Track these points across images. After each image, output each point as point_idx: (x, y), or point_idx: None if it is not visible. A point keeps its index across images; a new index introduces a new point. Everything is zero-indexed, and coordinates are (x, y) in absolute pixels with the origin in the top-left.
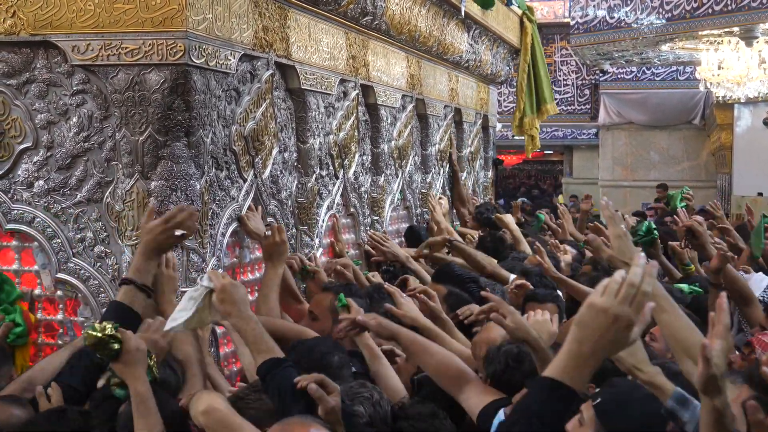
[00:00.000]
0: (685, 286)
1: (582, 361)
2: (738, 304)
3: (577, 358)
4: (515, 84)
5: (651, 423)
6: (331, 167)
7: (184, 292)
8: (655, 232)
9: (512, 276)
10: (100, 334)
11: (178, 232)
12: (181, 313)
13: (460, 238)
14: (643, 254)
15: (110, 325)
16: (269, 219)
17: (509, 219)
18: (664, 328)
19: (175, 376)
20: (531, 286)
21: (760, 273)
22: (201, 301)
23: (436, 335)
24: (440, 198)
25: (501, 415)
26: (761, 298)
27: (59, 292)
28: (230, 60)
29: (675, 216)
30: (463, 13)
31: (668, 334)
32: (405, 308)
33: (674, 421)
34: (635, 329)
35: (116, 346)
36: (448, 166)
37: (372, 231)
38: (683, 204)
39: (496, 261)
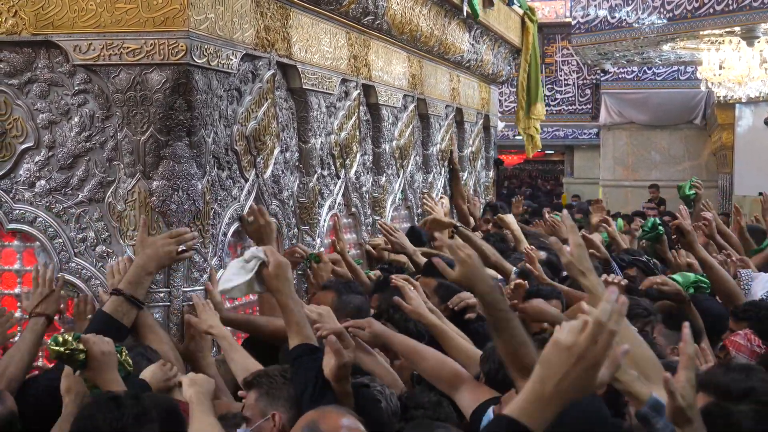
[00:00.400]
0: (677, 276)
1: (544, 401)
2: (726, 304)
3: (540, 397)
4: (516, 83)
5: (589, 421)
6: (332, 167)
7: (188, 292)
8: (661, 228)
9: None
10: (62, 349)
11: (181, 247)
12: (236, 278)
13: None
14: (615, 291)
15: (71, 337)
16: (272, 220)
17: (510, 219)
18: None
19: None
20: (527, 286)
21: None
22: (254, 272)
23: (441, 332)
24: (441, 197)
25: (490, 414)
26: (763, 297)
27: (61, 292)
28: (232, 60)
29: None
30: (465, 13)
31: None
32: (414, 303)
33: (648, 427)
34: (603, 370)
35: (82, 356)
36: (447, 163)
37: (382, 220)
38: (692, 192)
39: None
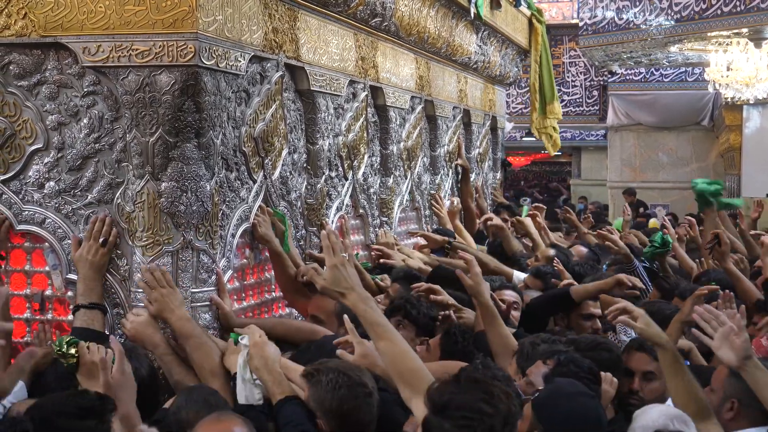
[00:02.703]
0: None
1: None
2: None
3: None
4: (524, 85)
5: (582, 417)
6: (340, 168)
7: (195, 293)
8: (669, 243)
9: (521, 275)
10: (57, 351)
11: (101, 240)
12: (245, 384)
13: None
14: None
15: (66, 342)
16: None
17: (528, 222)
18: (383, 355)
19: (148, 369)
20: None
21: None
22: (245, 360)
23: (492, 314)
24: (451, 198)
25: None
26: None
27: (70, 293)
28: (240, 61)
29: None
30: (472, 15)
31: (387, 362)
32: (476, 279)
33: None
34: None
35: (73, 360)
36: (456, 163)
37: (381, 232)
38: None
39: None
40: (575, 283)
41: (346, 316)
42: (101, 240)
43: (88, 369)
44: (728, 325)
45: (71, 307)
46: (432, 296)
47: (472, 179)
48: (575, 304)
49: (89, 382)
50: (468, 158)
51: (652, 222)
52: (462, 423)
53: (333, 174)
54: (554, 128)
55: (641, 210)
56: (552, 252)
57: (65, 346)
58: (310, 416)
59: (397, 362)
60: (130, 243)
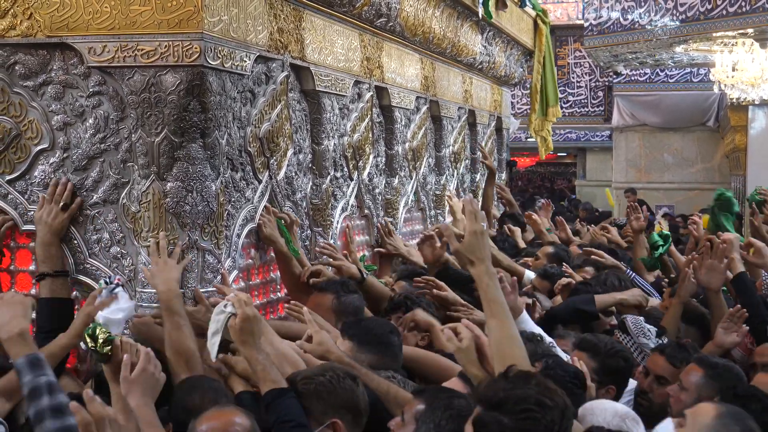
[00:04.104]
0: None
1: None
2: None
3: None
4: (528, 86)
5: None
6: (345, 169)
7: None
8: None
9: (531, 274)
10: (90, 345)
11: (61, 204)
12: (214, 339)
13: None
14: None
15: (101, 339)
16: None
17: (538, 220)
18: (490, 333)
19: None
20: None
21: None
22: (223, 326)
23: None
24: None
25: None
26: None
27: (75, 293)
28: (245, 61)
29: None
30: (480, 15)
31: (491, 340)
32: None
33: None
34: None
35: (105, 357)
36: (483, 164)
37: (384, 221)
38: (759, 198)
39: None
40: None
41: (306, 309)
42: (61, 204)
43: (116, 367)
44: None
45: (36, 277)
46: (435, 291)
47: (476, 181)
48: (598, 318)
49: (114, 377)
50: (473, 159)
51: (658, 227)
52: (524, 416)
53: (338, 174)
54: (548, 131)
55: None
56: (551, 249)
57: (100, 343)
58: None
59: (503, 345)
60: (136, 243)
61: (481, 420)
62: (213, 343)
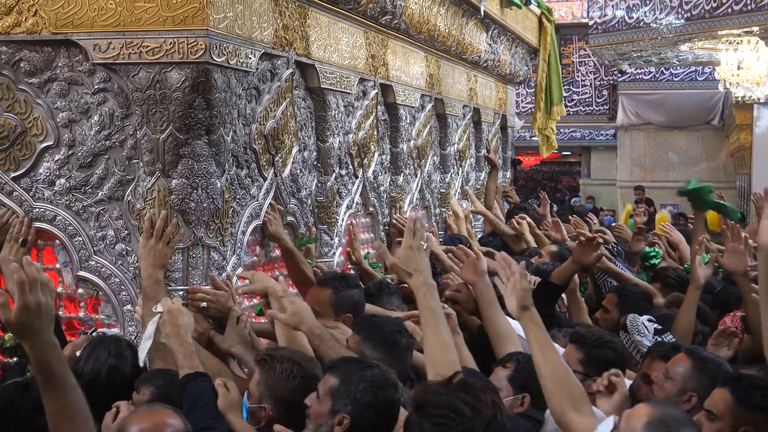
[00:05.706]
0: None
1: None
2: None
3: None
4: (533, 84)
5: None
6: (350, 166)
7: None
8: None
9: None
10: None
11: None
12: (145, 343)
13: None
14: None
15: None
16: (289, 218)
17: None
18: (425, 339)
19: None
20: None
21: None
22: (157, 327)
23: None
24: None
25: None
26: None
27: (80, 290)
28: (251, 58)
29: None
30: (482, 13)
31: (426, 345)
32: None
33: None
34: None
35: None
36: (487, 160)
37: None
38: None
39: None
40: None
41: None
42: (20, 240)
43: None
44: (516, 274)
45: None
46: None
47: (480, 180)
48: (564, 286)
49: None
50: (477, 157)
51: (659, 216)
52: (440, 422)
53: (343, 172)
54: (552, 129)
55: (652, 209)
56: (554, 248)
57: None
58: (216, 396)
59: (433, 351)
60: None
61: (408, 421)
62: (143, 348)
